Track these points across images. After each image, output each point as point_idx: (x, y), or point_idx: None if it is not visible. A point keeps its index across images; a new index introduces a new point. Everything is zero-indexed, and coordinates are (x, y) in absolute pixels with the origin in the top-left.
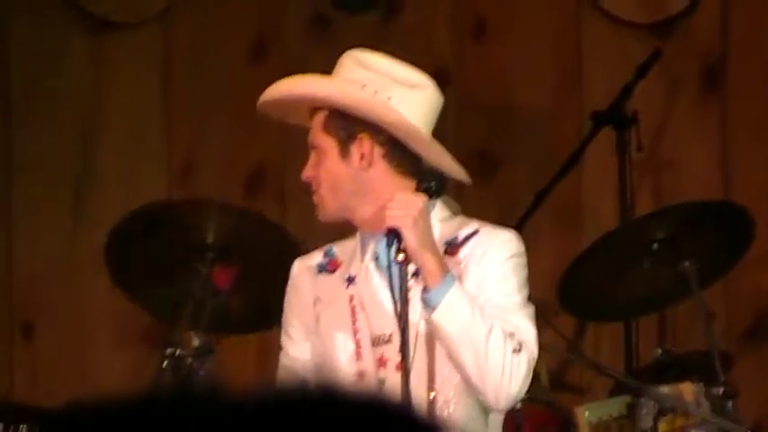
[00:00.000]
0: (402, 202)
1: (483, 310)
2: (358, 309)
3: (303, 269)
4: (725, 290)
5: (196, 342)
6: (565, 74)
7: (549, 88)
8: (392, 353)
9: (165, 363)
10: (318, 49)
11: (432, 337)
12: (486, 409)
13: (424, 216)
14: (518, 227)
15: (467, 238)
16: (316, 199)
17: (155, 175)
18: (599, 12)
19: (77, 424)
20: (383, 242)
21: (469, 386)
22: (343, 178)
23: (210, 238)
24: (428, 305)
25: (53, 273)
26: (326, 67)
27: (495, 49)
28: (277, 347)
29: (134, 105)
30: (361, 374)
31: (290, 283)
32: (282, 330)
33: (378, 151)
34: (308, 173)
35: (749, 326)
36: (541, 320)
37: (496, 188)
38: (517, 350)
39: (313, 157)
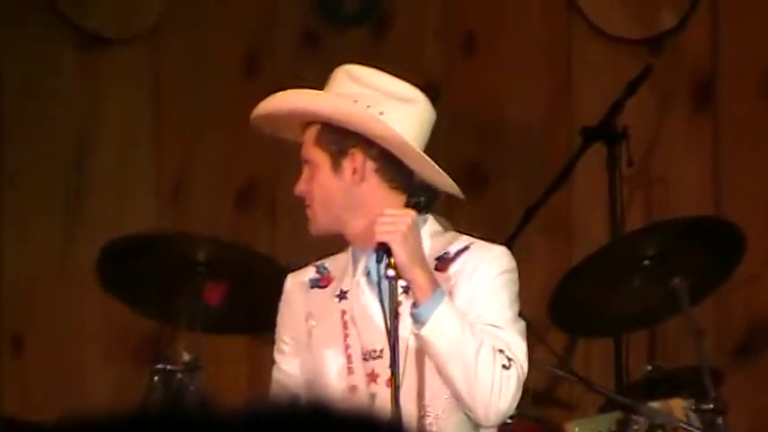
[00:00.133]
0: (391, 218)
1: (473, 326)
2: (349, 323)
3: (296, 285)
4: (715, 306)
5: (186, 357)
6: (555, 89)
7: (540, 103)
8: (383, 368)
9: (156, 378)
10: (309, 64)
11: (422, 352)
12: (475, 425)
13: (414, 231)
14: (509, 242)
15: (458, 254)
16: (308, 213)
17: (145, 189)
18: (589, 27)
19: None
20: (374, 257)
21: (459, 402)
22: (335, 192)
23: (201, 258)
24: (417, 320)
25: (43, 286)
26: (317, 83)
27: (486, 64)
28: (268, 362)
29: (125, 120)
30: (352, 389)
31: (282, 298)
32: (275, 345)
33: (370, 166)
34: (300, 187)
35: (739, 342)
36: (533, 336)
37: (487, 203)
38: (507, 366)
39: (306, 171)
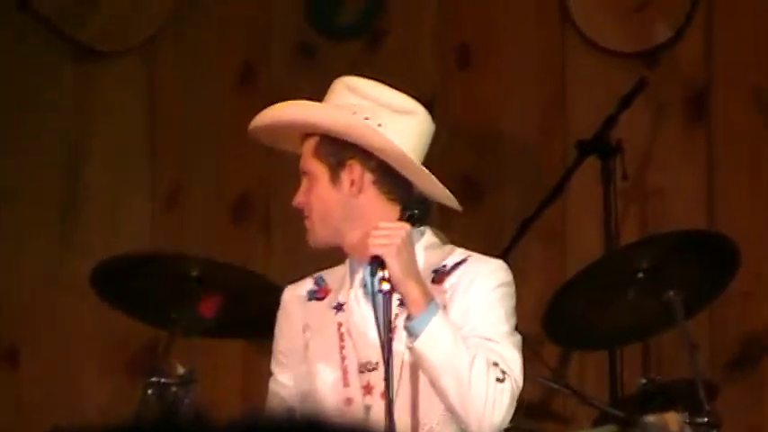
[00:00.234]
0: (386, 231)
1: (467, 340)
2: (346, 336)
3: (293, 297)
4: (710, 319)
5: (180, 371)
6: (550, 102)
7: (535, 116)
8: (378, 380)
9: (150, 391)
10: (304, 77)
11: (417, 365)
12: None
13: (408, 244)
14: (504, 254)
15: (455, 267)
16: (307, 225)
17: (140, 200)
18: (583, 40)
19: None
20: (369, 270)
21: (453, 415)
22: (334, 204)
23: (195, 273)
24: (411, 333)
25: (38, 298)
26: (312, 95)
27: (480, 77)
28: (264, 375)
29: (119, 133)
30: (347, 401)
31: (280, 310)
32: (272, 357)
33: (368, 177)
34: (299, 199)
35: (734, 355)
36: (528, 349)
37: (482, 215)
38: (501, 379)
39: (304, 182)
